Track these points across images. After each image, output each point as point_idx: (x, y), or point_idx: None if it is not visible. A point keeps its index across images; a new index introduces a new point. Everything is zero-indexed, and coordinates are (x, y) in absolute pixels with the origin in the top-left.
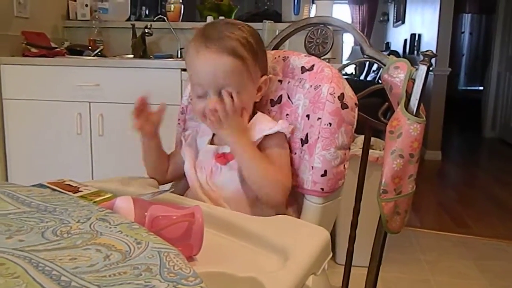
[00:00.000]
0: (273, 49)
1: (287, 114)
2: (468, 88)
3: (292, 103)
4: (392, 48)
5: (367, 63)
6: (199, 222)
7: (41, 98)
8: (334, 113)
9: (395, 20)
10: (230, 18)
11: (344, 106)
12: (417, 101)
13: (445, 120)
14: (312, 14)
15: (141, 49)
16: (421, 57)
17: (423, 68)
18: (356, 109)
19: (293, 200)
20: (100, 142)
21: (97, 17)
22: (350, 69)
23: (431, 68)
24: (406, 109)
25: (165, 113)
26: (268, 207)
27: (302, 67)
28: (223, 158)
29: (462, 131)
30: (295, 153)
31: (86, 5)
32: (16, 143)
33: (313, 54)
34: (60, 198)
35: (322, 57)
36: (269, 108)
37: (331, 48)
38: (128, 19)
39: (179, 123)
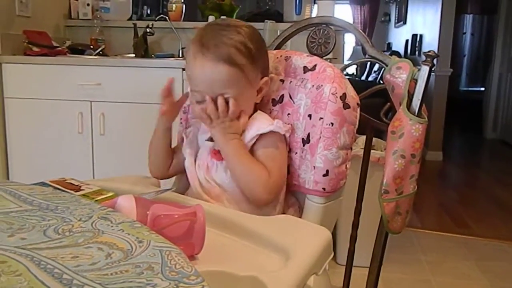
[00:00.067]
0: (275, 49)
1: (288, 114)
2: (470, 89)
3: (293, 102)
4: (393, 49)
5: (368, 63)
6: (200, 221)
7: (42, 97)
8: (336, 113)
9: (396, 21)
10: (231, 18)
11: (346, 106)
12: (419, 102)
13: (446, 121)
14: (314, 14)
15: (143, 49)
16: (423, 58)
17: (425, 69)
18: (358, 109)
19: (294, 200)
20: (101, 141)
21: (98, 16)
22: (352, 70)
23: (433, 69)
24: (408, 110)
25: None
26: (256, 205)
27: (304, 67)
28: (219, 155)
29: (463, 132)
30: (296, 153)
31: (88, 4)
32: (18, 141)
33: (315, 54)
34: (61, 196)
35: (324, 57)
36: (271, 107)
37: (333, 48)
38: (130, 19)
39: (181, 122)
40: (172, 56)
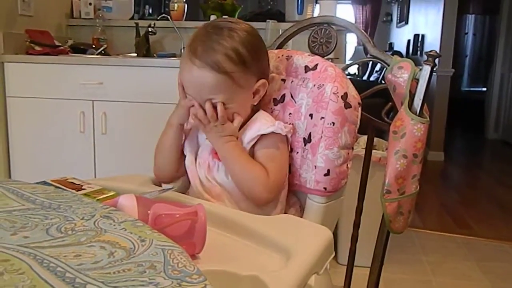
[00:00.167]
0: (276, 49)
1: (290, 113)
2: (471, 89)
3: (295, 102)
4: (395, 49)
5: (370, 63)
6: (202, 220)
7: (44, 96)
8: (337, 112)
9: (398, 21)
10: (233, 17)
11: (347, 105)
12: (420, 101)
13: (448, 121)
14: (316, 14)
15: (145, 48)
16: (425, 58)
17: (427, 68)
18: (360, 109)
19: (295, 200)
20: (103, 140)
21: (100, 15)
22: (353, 69)
23: (434, 69)
24: (410, 109)
25: None
26: (256, 205)
27: (306, 66)
28: None
29: (465, 132)
30: (298, 152)
31: (90, 4)
32: (20, 140)
33: (316, 54)
34: (64, 195)
35: (326, 57)
36: (272, 107)
37: (334, 48)
38: (132, 18)
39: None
40: (174, 55)
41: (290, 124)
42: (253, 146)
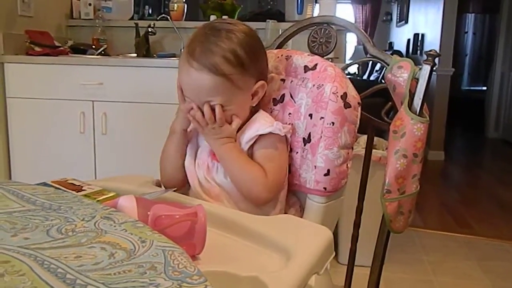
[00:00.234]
0: (276, 48)
1: (289, 113)
2: (472, 88)
3: (294, 102)
4: (395, 48)
5: (370, 62)
6: (201, 221)
7: (44, 97)
8: (337, 112)
9: (398, 20)
10: (233, 18)
11: (347, 105)
12: (420, 101)
13: (448, 120)
14: (316, 14)
15: (144, 48)
16: (425, 57)
17: (426, 68)
18: (359, 108)
19: (295, 200)
20: (103, 141)
21: (100, 16)
22: (353, 69)
23: (434, 68)
24: (410, 109)
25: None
26: (255, 205)
27: (305, 66)
28: None
29: (465, 132)
30: (297, 152)
31: (90, 4)
32: (20, 141)
33: (316, 54)
34: (64, 196)
35: (325, 57)
36: (272, 107)
37: (334, 48)
38: (132, 18)
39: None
40: (174, 55)
41: (289, 124)
42: (252, 146)
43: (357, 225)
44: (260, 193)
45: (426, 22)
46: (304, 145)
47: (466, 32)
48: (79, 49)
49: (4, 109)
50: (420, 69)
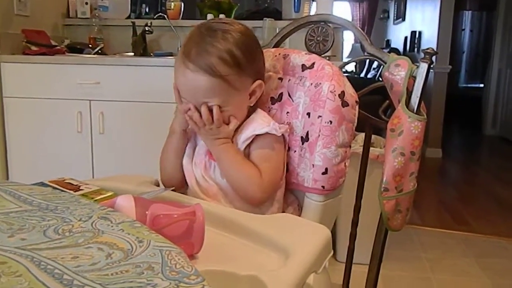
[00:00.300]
0: (273, 47)
1: (287, 112)
2: (469, 85)
3: (292, 101)
4: (392, 46)
5: (368, 60)
6: (200, 220)
7: (41, 96)
8: (335, 111)
9: (395, 18)
10: (229, 17)
11: (344, 104)
12: (418, 99)
13: (446, 118)
14: (313, 12)
15: (141, 47)
16: (422, 55)
17: (423, 66)
18: (357, 107)
19: (293, 198)
20: (100, 140)
21: (97, 15)
22: (351, 67)
23: (431, 66)
24: (407, 107)
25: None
26: (250, 205)
27: (303, 65)
28: None
29: (463, 129)
30: (295, 151)
31: (86, 3)
32: (17, 141)
33: (313, 52)
34: (61, 196)
35: (323, 55)
36: (270, 106)
37: (331, 46)
38: (128, 17)
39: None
40: (171, 54)
41: (287, 123)
42: (249, 146)
43: (355, 223)
44: (254, 193)
45: (423, 20)
46: (302, 143)
47: (463, 30)
48: (75, 48)
49: (1, 108)
50: (417, 67)
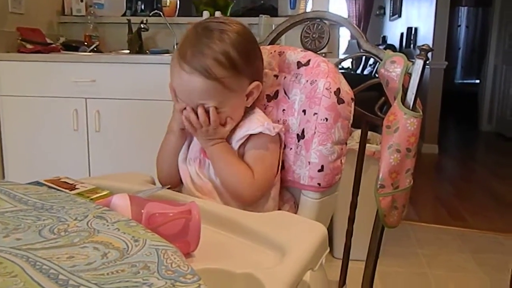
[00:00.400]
0: (269, 44)
1: (283, 110)
2: (465, 81)
3: (288, 98)
4: (388, 42)
5: (364, 57)
6: (195, 218)
7: (37, 95)
8: (330, 108)
9: (391, 14)
10: (225, 14)
11: (340, 101)
12: (413, 96)
13: (442, 114)
14: (309, 9)
15: (137, 45)
16: (418, 51)
17: (419, 62)
18: (353, 104)
19: (290, 196)
20: (96, 139)
21: (92, 12)
22: (347, 63)
23: (427, 62)
24: (403, 104)
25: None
26: (241, 205)
27: (298, 62)
28: None
29: (459, 125)
30: (291, 149)
31: (82, 1)
32: (12, 140)
33: (309, 49)
34: (57, 195)
35: (319, 52)
36: (266, 103)
37: (327, 43)
38: (124, 14)
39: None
40: (167, 52)
41: (283, 120)
42: (243, 145)
43: (351, 220)
44: (246, 194)
45: (419, 16)
46: (298, 141)
47: (459, 26)
48: (71, 46)
49: None
50: (413, 63)
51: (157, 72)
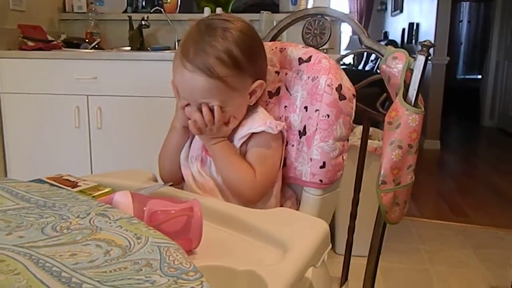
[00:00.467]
0: (270, 40)
1: (285, 106)
2: (467, 77)
3: (290, 94)
4: (390, 38)
5: (365, 53)
6: (197, 215)
7: (38, 92)
8: (332, 104)
9: (393, 9)
10: (226, 10)
11: (342, 97)
12: (415, 92)
13: (444, 109)
14: (310, 5)
15: (138, 41)
16: (419, 47)
17: (421, 58)
18: (354, 100)
19: (291, 193)
20: (98, 136)
21: (93, 9)
22: (348, 59)
23: (429, 58)
24: (405, 100)
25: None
26: (242, 204)
27: (300, 59)
28: None
29: (461, 120)
30: (293, 145)
31: None
32: (15, 137)
33: (310, 45)
34: (59, 193)
35: (320, 48)
36: (267, 99)
37: (328, 39)
38: (125, 11)
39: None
40: (168, 48)
41: (285, 117)
42: (246, 143)
43: (353, 216)
44: (247, 194)
45: (421, 11)
46: (300, 137)
47: (461, 21)
48: (72, 43)
49: None
50: (415, 60)
51: (158, 69)
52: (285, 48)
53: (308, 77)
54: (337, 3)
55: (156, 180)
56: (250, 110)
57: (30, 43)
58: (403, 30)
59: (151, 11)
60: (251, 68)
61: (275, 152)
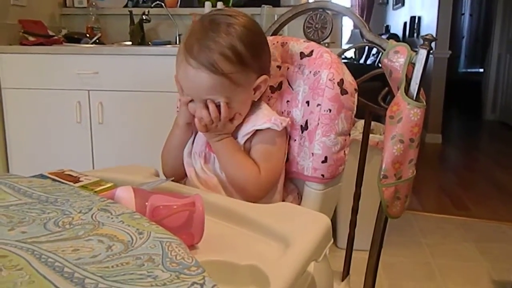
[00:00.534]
0: (271, 35)
1: (287, 101)
2: (469, 70)
3: (292, 89)
4: (391, 31)
5: (367, 47)
6: (199, 210)
7: (39, 87)
8: (334, 99)
9: (394, 3)
10: (227, 4)
11: (343, 92)
12: (417, 86)
13: (445, 103)
14: None
15: (139, 36)
16: (421, 41)
17: (423, 52)
18: (356, 95)
19: (293, 187)
20: (100, 131)
21: (94, 4)
22: (350, 53)
23: (431, 52)
24: (406, 94)
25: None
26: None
27: (301, 53)
28: None
29: (463, 114)
30: (295, 140)
31: None
32: (16, 132)
33: (312, 40)
34: (61, 188)
35: (322, 42)
36: (269, 94)
37: (330, 33)
38: (126, 6)
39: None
40: (169, 43)
41: (287, 111)
42: (250, 140)
43: (355, 210)
44: (251, 190)
45: (422, 5)
46: (302, 132)
47: (463, 14)
48: (73, 38)
49: (0, 100)
50: (417, 53)
51: (159, 64)
52: (286, 43)
53: (310, 72)
54: None
55: (158, 176)
56: (254, 106)
57: (31, 38)
58: (405, 23)
59: (152, 5)
60: (255, 64)
61: (279, 148)
